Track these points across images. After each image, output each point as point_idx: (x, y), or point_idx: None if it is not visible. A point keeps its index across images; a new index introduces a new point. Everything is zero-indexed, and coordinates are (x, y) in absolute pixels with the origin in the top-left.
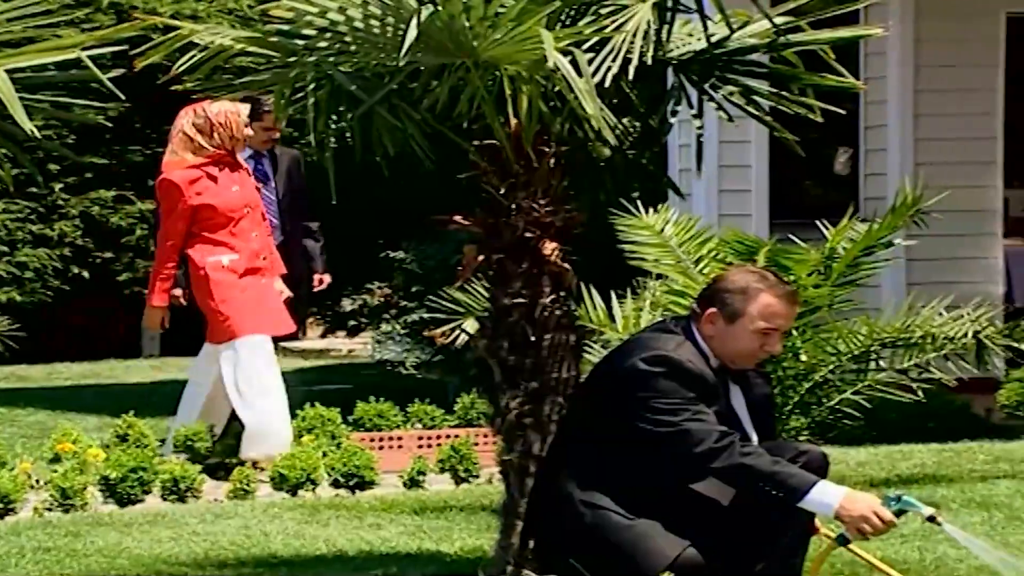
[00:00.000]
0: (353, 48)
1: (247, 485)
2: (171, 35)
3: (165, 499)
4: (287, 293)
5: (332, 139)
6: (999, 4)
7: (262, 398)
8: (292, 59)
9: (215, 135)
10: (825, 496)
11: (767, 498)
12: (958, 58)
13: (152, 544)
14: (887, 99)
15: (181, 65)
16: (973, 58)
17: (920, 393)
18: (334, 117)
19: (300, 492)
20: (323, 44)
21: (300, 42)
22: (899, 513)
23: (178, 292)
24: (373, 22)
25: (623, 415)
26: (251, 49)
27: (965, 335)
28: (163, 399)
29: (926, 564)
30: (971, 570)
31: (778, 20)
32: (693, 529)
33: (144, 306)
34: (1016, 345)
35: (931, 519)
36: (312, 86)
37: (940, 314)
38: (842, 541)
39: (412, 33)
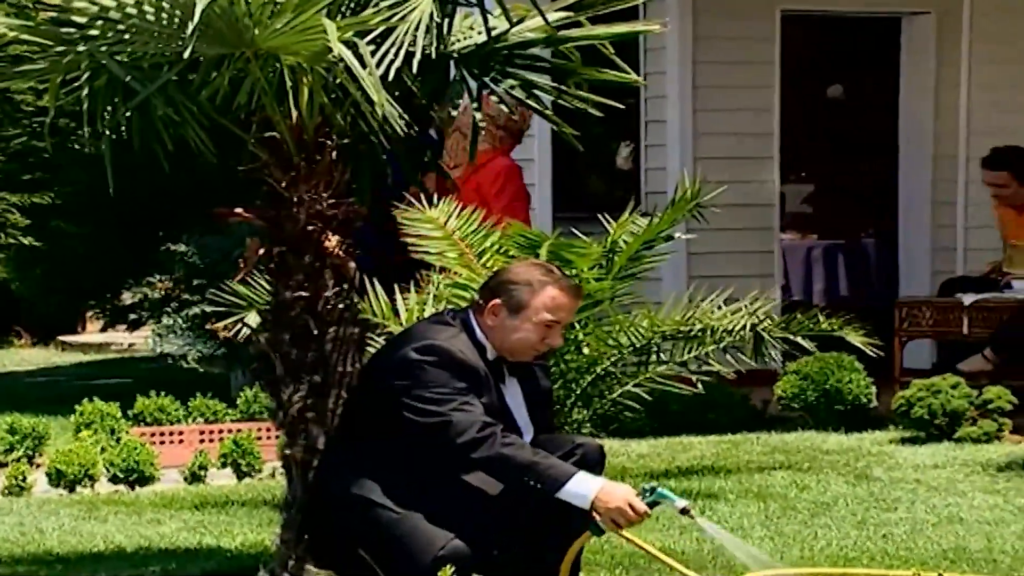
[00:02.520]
0: (128, 37)
1: (22, 481)
2: None
3: None
4: None
5: (109, 130)
6: (774, 2)
7: None
8: (64, 48)
9: None
10: (581, 487)
11: (530, 490)
12: (735, 55)
13: None
14: (666, 95)
15: None
16: (750, 55)
17: (700, 385)
18: (110, 108)
19: (78, 488)
20: (96, 32)
21: (74, 30)
22: (653, 504)
23: None
24: (148, 10)
25: (393, 405)
26: (24, 37)
27: (743, 328)
28: None
29: (704, 554)
30: (748, 558)
31: (557, 15)
32: (464, 521)
33: None
34: (792, 338)
35: (684, 511)
36: (87, 76)
37: (719, 307)
38: (596, 531)
39: (192, 22)
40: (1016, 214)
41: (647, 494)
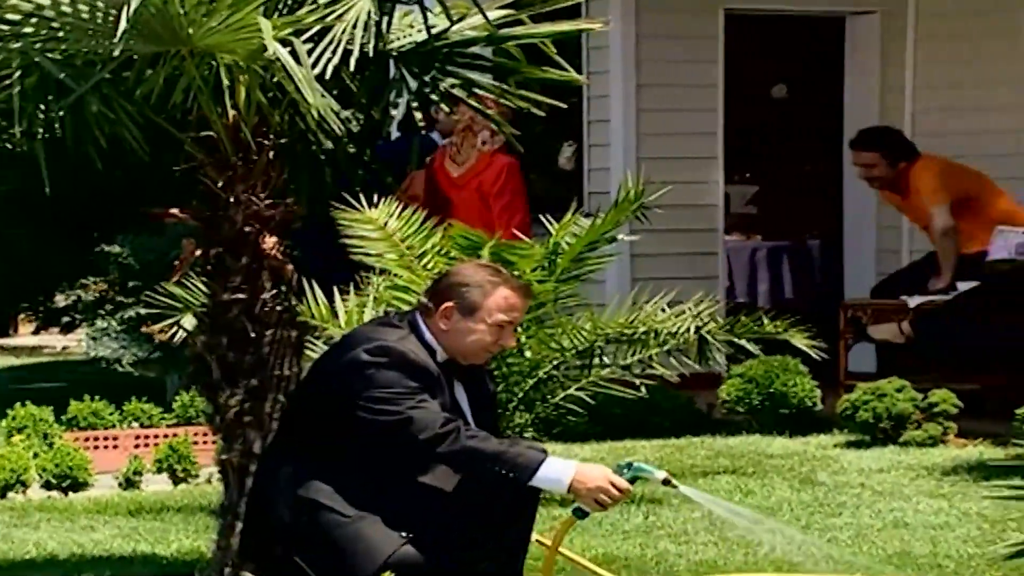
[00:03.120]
0: (62, 34)
1: None
2: None
3: None
4: None
5: (42, 129)
6: (718, 0)
7: None
8: None
9: None
10: (556, 472)
11: (496, 484)
12: (678, 54)
13: None
14: (609, 94)
15: None
16: (693, 54)
17: (644, 389)
18: (43, 106)
19: (9, 494)
20: (30, 30)
21: (6, 28)
22: (632, 480)
23: None
24: (82, 8)
25: (345, 408)
26: None
27: (687, 331)
28: None
29: (647, 560)
30: (691, 564)
31: (498, 13)
32: (417, 522)
33: None
34: (737, 340)
35: (666, 482)
36: (18, 73)
37: (663, 310)
38: (580, 515)
39: (125, 20)
40: (900, 198)
41: (625, 470)
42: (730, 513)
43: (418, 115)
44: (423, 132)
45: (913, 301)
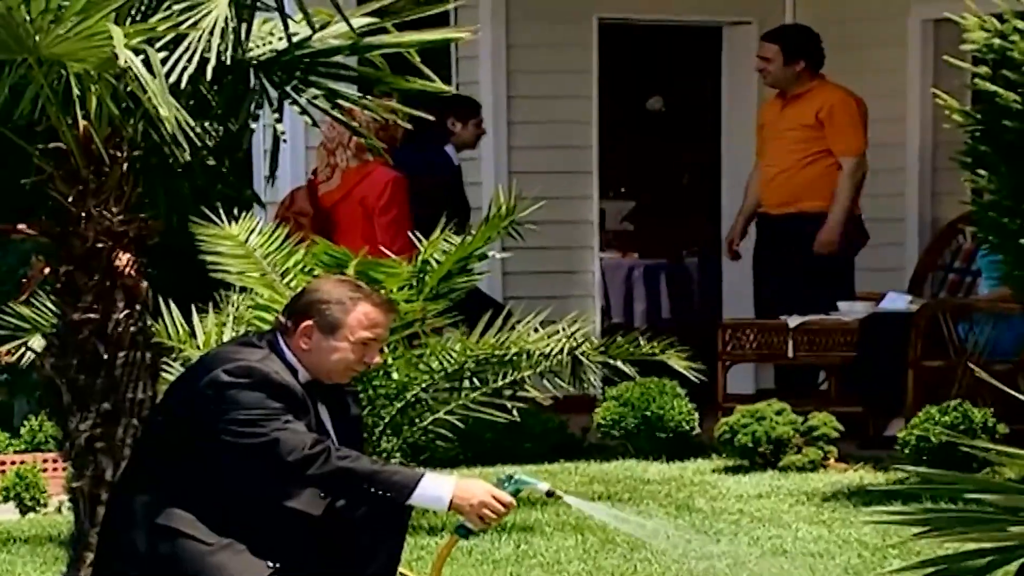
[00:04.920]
0: None
1: None
2: None
3: None
4: None
5: None
6: (591, 8)
7: None
8: None
9: None
10: (435, 489)
11: (367, 511)
12: (551, 64)
13: None
14: (480, 105)
15: None
16: (566, 64)
17: (515, 412)
18: None
19: None
20: None
21: None
22: (515, 493)
23: None
24: None
25: (206, 431)
26: None
27: (561, 352)
28: None
29: None
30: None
31: (363, 21)
32: (284, 548)
33: None
34: (612, 362)
35: (549, 493)
36: None
37: (536, 330)
38: (463, 533)
39: None
40: (781, 105)
41: (507, 483)
42: (616, 520)
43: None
44: (437, 145)
45: (792, 321)
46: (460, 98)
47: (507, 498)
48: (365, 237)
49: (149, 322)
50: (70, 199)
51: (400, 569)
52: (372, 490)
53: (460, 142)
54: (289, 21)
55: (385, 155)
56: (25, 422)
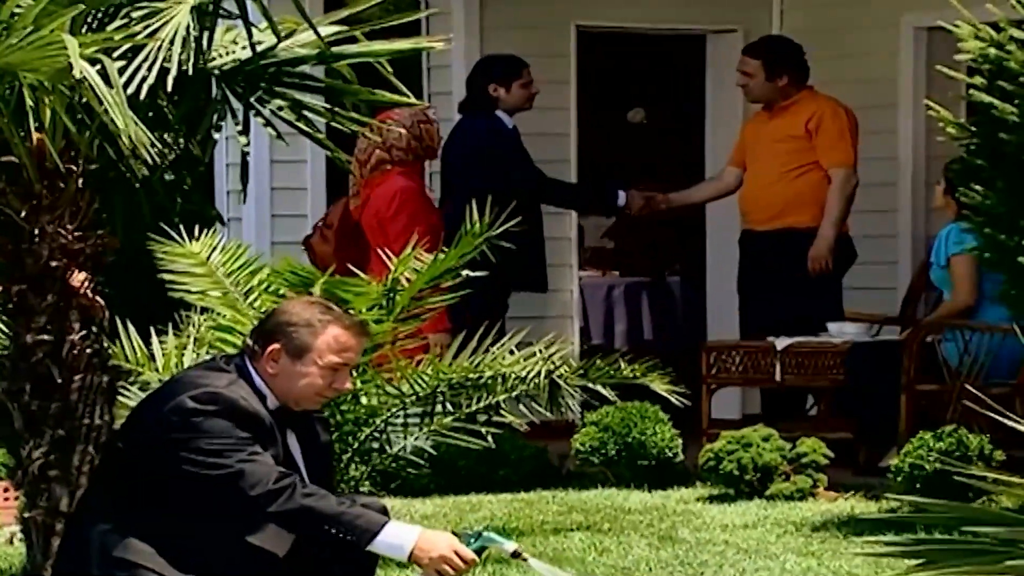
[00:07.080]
0: None
1: None
2: None
3: None
4: None
5: None
6: (568, 16)
7: None
8: None
9: None
10: (397, 538)
11: (331, 547)
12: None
13: None
14: (453, 116)
15: None
16: (543, 74)
17: (491, 438)
18: None
19: None
20: None
21: None
22: (480, 551)
23: None
24: None
25: (167, 460)
26: None
27: (538, 375)
28: None
29: None
30: None
31: (332, 29)
32: None
33: None
34: (591, 386)
35: (515, 554)
36: None
37: (511, 352)
38: None
39: None
40: (767, 116)
41: (472, 540)
42: None
43: (242, 140)
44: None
45: (780, 343)
46: (496, 61)
47: (469, 554)
48: (380, 247)
49: (106, 344)
50: (23, 215)
51: None
52: (334, 531)
53: (509, 107)
54: (253, 29)
55: (341, 162)
56: None
